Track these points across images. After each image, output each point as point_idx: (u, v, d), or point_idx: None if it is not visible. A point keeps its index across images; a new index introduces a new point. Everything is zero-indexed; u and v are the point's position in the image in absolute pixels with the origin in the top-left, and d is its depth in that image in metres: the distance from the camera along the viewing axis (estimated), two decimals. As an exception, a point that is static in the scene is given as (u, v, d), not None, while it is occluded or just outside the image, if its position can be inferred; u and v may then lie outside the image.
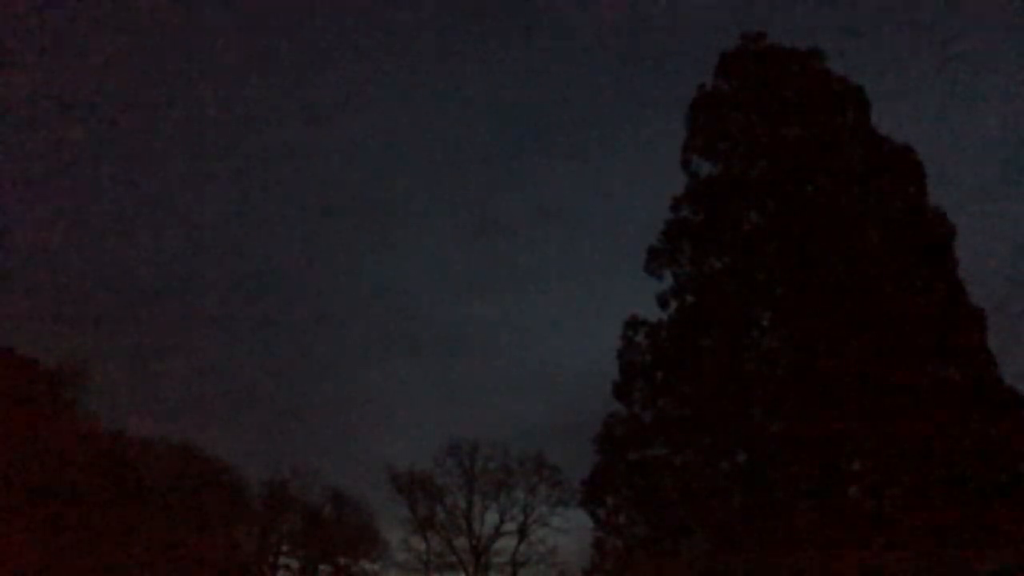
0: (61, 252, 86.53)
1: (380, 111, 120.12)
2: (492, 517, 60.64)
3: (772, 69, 28.99)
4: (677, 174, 29.39)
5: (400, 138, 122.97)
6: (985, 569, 21.56)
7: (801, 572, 22.53)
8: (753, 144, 28.50)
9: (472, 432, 66.22)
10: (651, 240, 28.89)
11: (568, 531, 56.65)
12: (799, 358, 25.64)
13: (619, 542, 27.32)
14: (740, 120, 28.91)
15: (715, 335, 26.89)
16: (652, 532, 26.41)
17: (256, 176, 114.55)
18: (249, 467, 58.93)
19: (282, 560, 61.01)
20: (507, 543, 60.26)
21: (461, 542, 60.51)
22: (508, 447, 60.34)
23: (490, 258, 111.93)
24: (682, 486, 25.86)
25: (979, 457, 23.03)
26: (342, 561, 62.23)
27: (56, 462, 34.77)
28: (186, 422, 66.07)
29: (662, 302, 28.29)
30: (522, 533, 59.95)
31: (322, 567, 62.00)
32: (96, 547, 34.72)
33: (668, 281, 28.47)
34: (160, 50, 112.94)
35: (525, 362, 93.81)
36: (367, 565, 63.07)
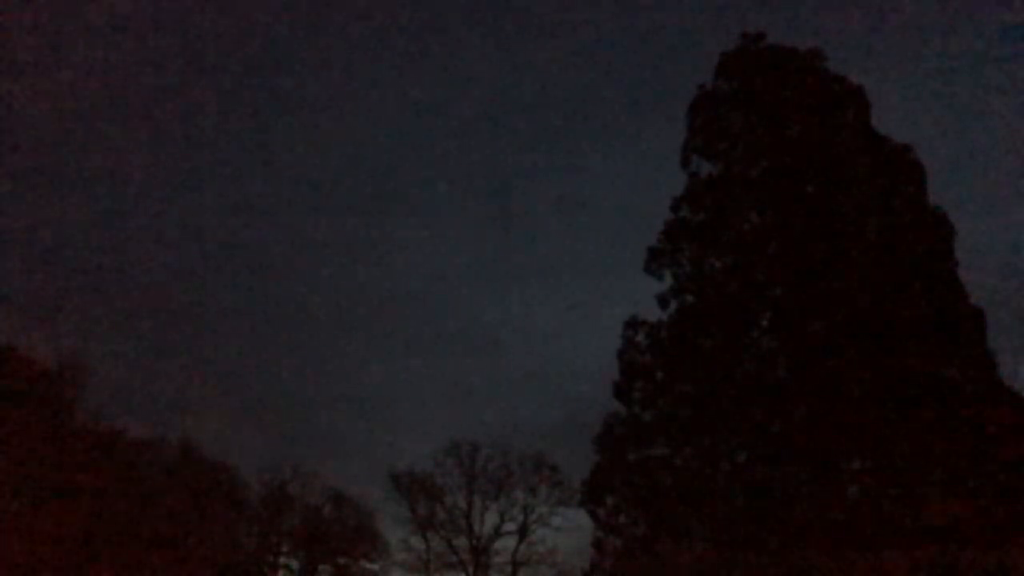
0: (61, 252, 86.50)
1: (384, 108, 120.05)
2: (492, 517, 60.61)
3: (772, 69, 29.03)
4: (677, 174, 29.50)
5: (401, 138, 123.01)
6: (984, 569, 21.55)
7: (801, 572, 22.53)
8: (753, 144, 28.53)
9: (472, 432, 66.21)
10: (651, 240, 29.00)
11: (568, 531, 56.58)
12: (799, 358, 25.66)
13: (619, 542, 27.34)
14: (740, 120, 28.95)
15: (715, 335, 26.93)
16: (652, 532, 26.43)
17: (258, 172, 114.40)
18: (249, 467, 59.08)
19: (282, 560, 60.99)
20: (507, 543, 60.23)
21: (461, 542, 60.48)
22: (508, 447, 60.32)
23: (490, 257, 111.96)
24: (682, 486, 25.88)
25: (978, 457, 23.05)
26: (342, 561, 62.16)
27: (56, 462, 34.74)
28: (186, 422, 65.94)
29: (662, 302, 28.38)
30: (522, 533, 59.90)
31: (322, 567, 61.95)
32: (96, 547, 34.70)
33: (668, 281, 28.57)
34: (158, 48, 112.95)
35: (526, 362, 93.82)
36: (367, 565, 63.01)
